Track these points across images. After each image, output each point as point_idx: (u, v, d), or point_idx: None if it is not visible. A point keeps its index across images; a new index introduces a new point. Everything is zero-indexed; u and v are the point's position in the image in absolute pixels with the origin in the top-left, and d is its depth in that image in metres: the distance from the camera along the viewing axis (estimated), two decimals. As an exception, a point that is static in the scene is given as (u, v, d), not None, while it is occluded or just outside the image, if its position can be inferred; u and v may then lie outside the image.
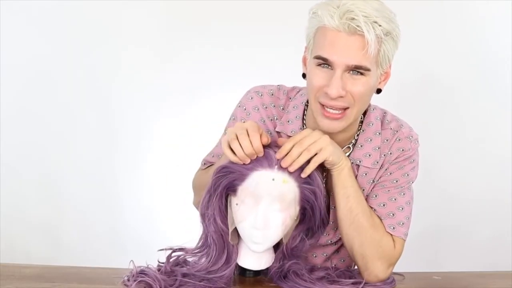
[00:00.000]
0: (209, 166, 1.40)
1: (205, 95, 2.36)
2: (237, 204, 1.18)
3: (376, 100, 1.37)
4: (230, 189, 1.19)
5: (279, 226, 1.16)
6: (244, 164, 1.16)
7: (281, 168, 1.16)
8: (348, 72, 1.16)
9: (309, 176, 1.18)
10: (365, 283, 1.24)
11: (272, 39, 2.26)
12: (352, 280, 1.25)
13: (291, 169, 1.16)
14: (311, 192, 1.19)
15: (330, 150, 1.18)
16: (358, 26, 1.11)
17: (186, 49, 2.38)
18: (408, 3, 2.14)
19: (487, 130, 2.32)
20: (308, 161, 1.17)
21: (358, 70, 1.16)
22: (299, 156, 1.16)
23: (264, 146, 1.17)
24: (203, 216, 1.23)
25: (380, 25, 1.13)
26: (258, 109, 1.35)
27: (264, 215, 1.14)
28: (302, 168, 1.17)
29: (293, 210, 1.19)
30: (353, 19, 1.11)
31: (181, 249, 1.29)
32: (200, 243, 1.26)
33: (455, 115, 2.34)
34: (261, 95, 1.36)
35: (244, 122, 1.22)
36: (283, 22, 1.97)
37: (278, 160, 1.16)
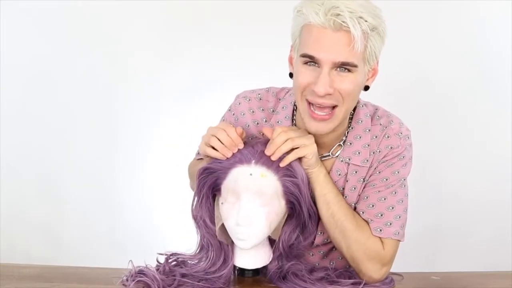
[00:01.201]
0: (201, 158, 1.40)
1: (205, 95, 2.34)
2: (222, 203, 1.18)
3: (373, 101, 1.36)
4: (215, 189, 1.19)
5: (263, 222, 1.15)
6: (224, 161, 1.17)
7: (258, 162, 1.16)
8: (335, 69, 1.15)
9: (290, 168, 1.17)
10: (365, 283, 1.23)
11: (272, 39, 2.13)
12: (351, 281, 1.24)
13: (274, 157, 1.16)
14: (294, 184, 1.17)
15: (313, 149, 1.18)
16: (343, 22, 1.09)
17: (185, 49, 2.37)
18: (404, 2, 2.13)
19: (487, 130, 2.30)
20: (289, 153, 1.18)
21: (345, 66, 1.14)
22: (282, 144, 1.16)
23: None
24: (195, 219, 1.23)
25: (366, 21, 1.11)
26: (244, 114, 1.34)
27: (246, 211, 1.13)
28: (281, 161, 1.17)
29: (277, 205, 1.17)
30: (338, 15, 1.09)
31: (180, 254, 1.29)
32: (198, 248, 1.26)
33: (454, 115, 2.31)
34: (249, 100, 1.35)
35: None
36: (283, 22, 1.89)
37: (256, 155, 1.16)
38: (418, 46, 2.22)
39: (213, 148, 1.18)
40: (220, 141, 1.17)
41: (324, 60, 1.13)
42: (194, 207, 1.22)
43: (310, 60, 1.15)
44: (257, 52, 2.30)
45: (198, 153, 1.44)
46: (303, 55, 1.16)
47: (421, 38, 2.24)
